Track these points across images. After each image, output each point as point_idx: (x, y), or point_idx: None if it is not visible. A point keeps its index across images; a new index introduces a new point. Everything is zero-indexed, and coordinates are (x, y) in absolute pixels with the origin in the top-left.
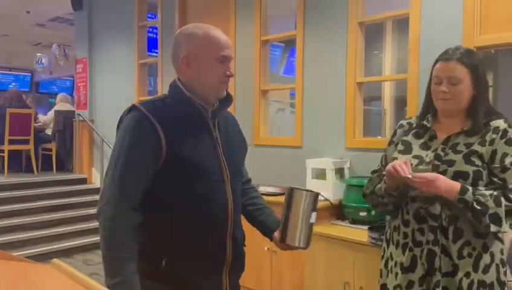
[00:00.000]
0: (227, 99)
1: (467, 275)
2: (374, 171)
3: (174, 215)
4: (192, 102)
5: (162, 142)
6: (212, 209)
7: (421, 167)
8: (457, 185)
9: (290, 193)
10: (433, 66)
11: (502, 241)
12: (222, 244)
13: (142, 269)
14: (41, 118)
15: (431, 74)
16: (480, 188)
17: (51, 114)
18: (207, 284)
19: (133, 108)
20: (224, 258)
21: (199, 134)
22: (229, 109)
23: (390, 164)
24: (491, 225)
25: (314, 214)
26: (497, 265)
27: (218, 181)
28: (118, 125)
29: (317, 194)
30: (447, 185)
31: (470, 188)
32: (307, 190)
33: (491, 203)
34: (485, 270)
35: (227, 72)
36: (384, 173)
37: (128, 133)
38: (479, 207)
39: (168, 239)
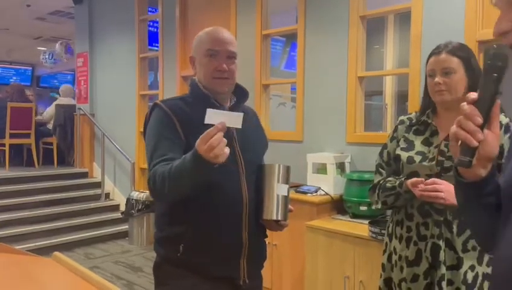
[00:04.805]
0: (243, 94)
1: (472, 268)
2: (377, 166)
3: (190, 205)
4: (208, 99)
5: (180, 134)
6: (226, 200)
7: (424, 163)
8: None
9: (262, 168)
10: (427, 62)
11: None
12: (237, 233)
13: (163, 255)
14: (42, 114)
15: (426, 70)
16: None
17: (51, 110)
18: (223, 271)
19: (155, 105)
20: (240, 247)
21: None
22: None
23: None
24: None
25: (286, 187)
26: None
27: (233, 173)
28: (145, 121)
29: (288, 167)
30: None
31: None
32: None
33: None
34: (489, 263)
35: (218, 67)
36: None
37: (155, 127)
38: None
39: (185, 227)
